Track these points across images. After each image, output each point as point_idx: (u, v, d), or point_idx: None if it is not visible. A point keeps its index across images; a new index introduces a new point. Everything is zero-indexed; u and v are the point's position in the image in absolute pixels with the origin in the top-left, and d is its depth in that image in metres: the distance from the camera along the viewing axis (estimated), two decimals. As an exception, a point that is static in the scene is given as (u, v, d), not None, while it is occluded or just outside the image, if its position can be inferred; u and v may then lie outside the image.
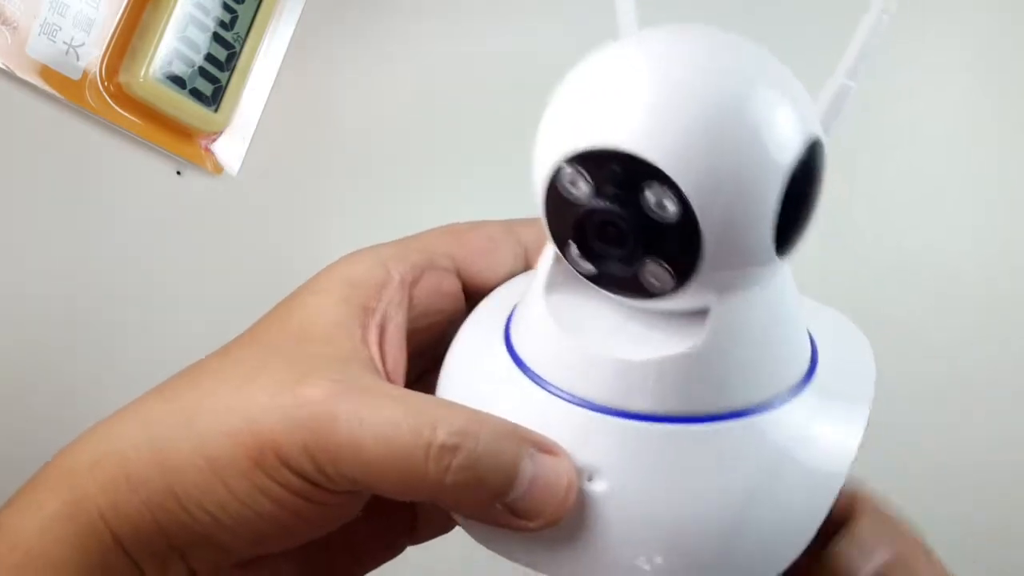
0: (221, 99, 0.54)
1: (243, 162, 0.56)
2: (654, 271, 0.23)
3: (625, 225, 0.22)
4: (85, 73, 0.49)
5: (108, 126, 0.50)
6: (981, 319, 0.66)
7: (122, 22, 0.50)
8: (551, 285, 0.26)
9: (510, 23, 0.64)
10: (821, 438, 0.25)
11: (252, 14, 0.54)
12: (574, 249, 0.23)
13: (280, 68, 0.57)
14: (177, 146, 0.53)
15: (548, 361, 0.25)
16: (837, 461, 0.25)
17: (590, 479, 0.24)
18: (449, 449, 0.23)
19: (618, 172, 0.22)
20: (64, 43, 0.48)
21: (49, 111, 0.48)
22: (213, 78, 0.53)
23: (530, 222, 0.31)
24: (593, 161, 0.22)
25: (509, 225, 0.31)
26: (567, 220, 0.23)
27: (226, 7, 0.53)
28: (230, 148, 0.56)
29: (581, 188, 0.22)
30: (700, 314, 0.24)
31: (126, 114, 0.51)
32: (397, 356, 0.28)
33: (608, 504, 0.24)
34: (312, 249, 0.58)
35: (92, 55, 0.49)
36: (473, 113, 0.63)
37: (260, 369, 0.25)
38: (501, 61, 0.63)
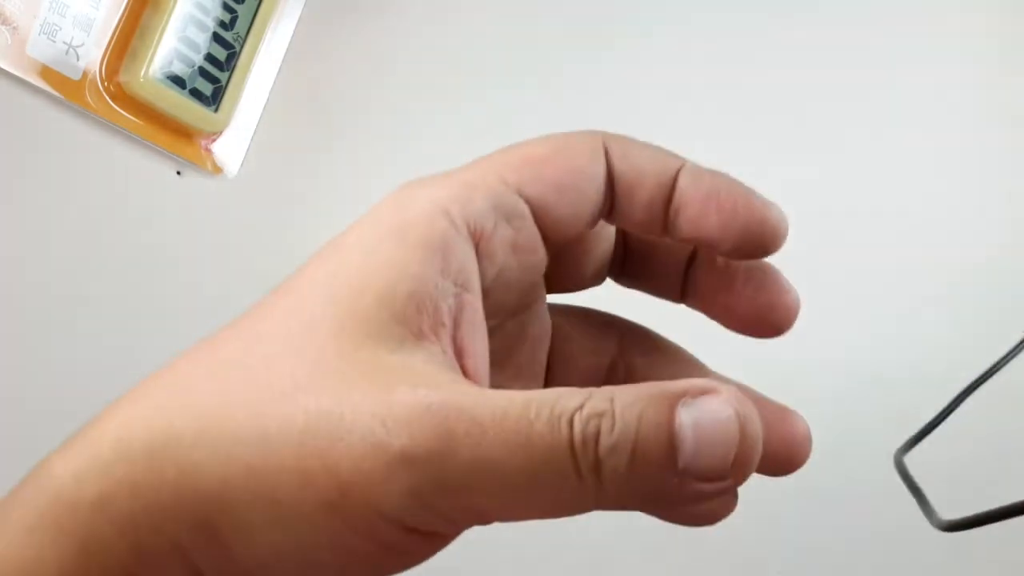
0: (221, 99, 0.54)
1: (243, 162, 0.56)
2: None
3: None
4: (85, 73, 0.49)
5: (108, 126, 0.50)
6: (984, 319, 0.66)
7: (122, 22, 0.50)
8: None
9: (511, 22, 0.63)
10: None
11: (252, 14, 0.54)
12: None
13: (280, 68, 0.57)
14: (177, 146, 0.53)
15: None
16: None
17: None
18: (591, 435, 0.17)
19: None
20: (64, 43, 0.48)
21: (49, 111, 0.48)
22: (213, 78, 0.53)
23: (624, 140, 0.22)
24: None
25: (595, 142, 0.22)
26: None
27: (226, 7, 0.53)
28: (230, 148, 0.56)
29: None
30: None
31: (126, 114, 0.51)
32: (480, 348, 0.21)
33: None
34: (312, 250, 0.58)
35: (92, 55, 0.49)
36: (475, 112, 0.63)
37: (312, 369, 0.19)
38: (502, 60, 0.63)
